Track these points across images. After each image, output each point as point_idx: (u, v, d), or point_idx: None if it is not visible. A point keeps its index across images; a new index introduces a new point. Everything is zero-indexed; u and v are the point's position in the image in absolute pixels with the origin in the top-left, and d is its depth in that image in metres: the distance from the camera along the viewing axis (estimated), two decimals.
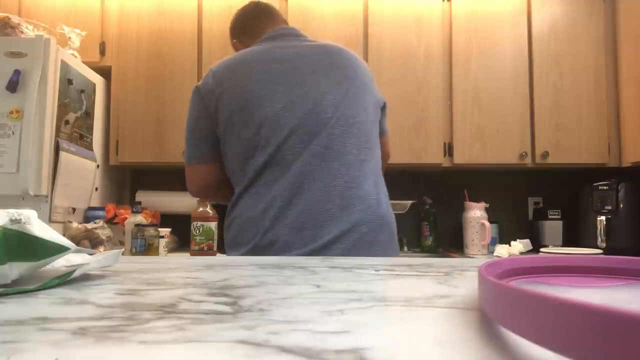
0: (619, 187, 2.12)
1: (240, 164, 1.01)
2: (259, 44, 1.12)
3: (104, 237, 1.81)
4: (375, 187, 1.03)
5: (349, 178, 0.99)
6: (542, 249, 2.02)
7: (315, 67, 1.04)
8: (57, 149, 1.78)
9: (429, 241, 2.40)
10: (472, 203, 2.25)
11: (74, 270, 0.39)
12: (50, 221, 1.73)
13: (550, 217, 2.33)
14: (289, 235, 0.93)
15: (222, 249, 1.93)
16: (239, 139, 1.01)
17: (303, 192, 0.96)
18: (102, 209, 2.03)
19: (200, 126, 1.07)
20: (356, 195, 0.98)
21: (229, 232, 1.03)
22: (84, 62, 2.08)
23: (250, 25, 1.21)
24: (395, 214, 1.17)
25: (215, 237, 1.71)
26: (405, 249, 2.44)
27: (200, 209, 1.70)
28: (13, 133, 1.69)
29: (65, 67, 1.84)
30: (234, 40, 1.25)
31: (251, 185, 0.99)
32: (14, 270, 0.37)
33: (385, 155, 1.19)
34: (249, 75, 1.02)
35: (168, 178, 2.49)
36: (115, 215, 2.03)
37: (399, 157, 2.20)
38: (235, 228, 1.00)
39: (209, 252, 1.67)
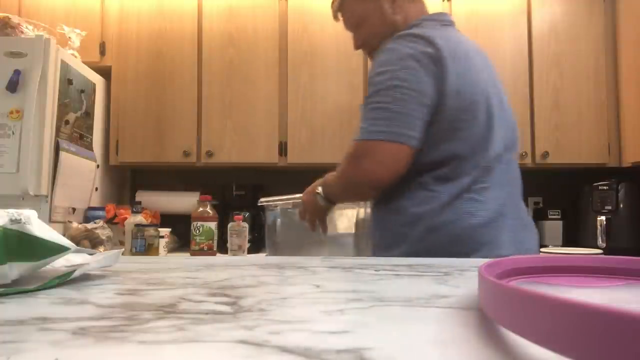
0: (619, 187, 2.12)
1: (452, 163, 0.91)
2: (446, 26, 1.00)
3: (104, 237, 1.81)
4: None
5: (518, 195, 1.01)
6: (542, 249, 2.02)
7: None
8: (57, 149, 1.78)
9: None
10: None
11: (74, 270, 0.39)
12: (50, 221, 1.73)
13: (550, 217, 2.33)
14: (506, 250, 0.88)
15: (222, 249, 1.94)
16: (458, 136, 0.90)
17: (508, 207, 0.93)
18: (102, 209, 2.03)
19: (427, 100, 0.88)
20: (523, 210, 1.00)
21: (433, 235, 0.89)
22: (84, 62, 2.08)
23: None
24: None
25: (215, 237, 1.71)
26: None
27: (200, 209, 1.70)
28: (13, 133, 1.69)
29: (65, 67, 1.84)
30: None
31: (467, 191, 0.90)
32: (14, 270, 0.37)
33: None
34: (472, 67, 0.93)
35: (168, 178, 2.49)
36: (115, 215, 2.03)
37: None
38: (450, 234, 0.88)
39: (209, 252, 1.67)
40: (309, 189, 1.08)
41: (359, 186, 0.94)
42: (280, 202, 1.37)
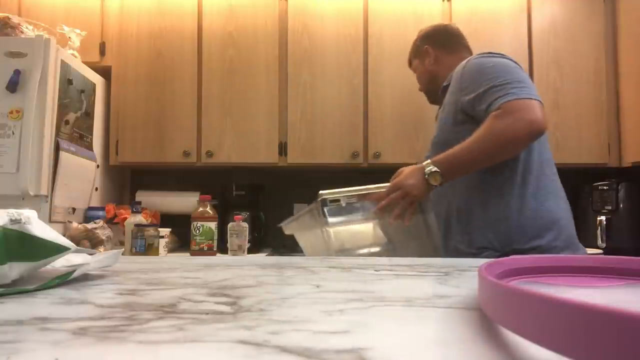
0: (619, 187, 2.12)
1: None
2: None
3: (104, 237, 1.80)
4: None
5: None
6: None
7: None
8: (57, 149, 1.78)
9: None
10: None
11: (74, 270, 0.39)
12: (50, 221, 1.73)
13: None
14: None
15: (222, 249, 1.93)
16: None
17: None
18: (102, 209, 2.03)
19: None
20: None
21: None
22: (84, 62, 2.08)
23: (454, 42, 1.34)
24: None
25: (215, 237, 1.71)
26: None
27: (200, 209, 1.70)
28: (13, 133, 1.69)
29: (65, 67, 1.84)
30: (427, 47, 1.34)
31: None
32: (14, 270, 0.37)
33: None
34: None
35: (168, 178, 2.49)
36: (115, 215, 2.03)
37: (398, 156, 2.20)
38: None
39: (209, 252, 1.67)
40: (410, 172, 1.00)
41: (516, 139, 0.97)
42: (347, 195, 1.09)
